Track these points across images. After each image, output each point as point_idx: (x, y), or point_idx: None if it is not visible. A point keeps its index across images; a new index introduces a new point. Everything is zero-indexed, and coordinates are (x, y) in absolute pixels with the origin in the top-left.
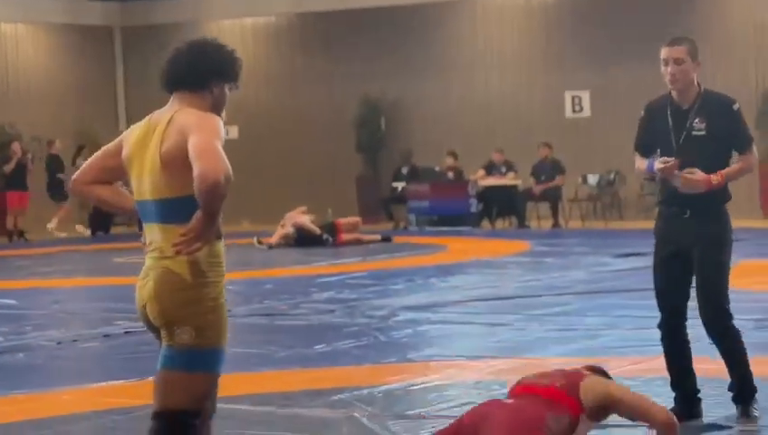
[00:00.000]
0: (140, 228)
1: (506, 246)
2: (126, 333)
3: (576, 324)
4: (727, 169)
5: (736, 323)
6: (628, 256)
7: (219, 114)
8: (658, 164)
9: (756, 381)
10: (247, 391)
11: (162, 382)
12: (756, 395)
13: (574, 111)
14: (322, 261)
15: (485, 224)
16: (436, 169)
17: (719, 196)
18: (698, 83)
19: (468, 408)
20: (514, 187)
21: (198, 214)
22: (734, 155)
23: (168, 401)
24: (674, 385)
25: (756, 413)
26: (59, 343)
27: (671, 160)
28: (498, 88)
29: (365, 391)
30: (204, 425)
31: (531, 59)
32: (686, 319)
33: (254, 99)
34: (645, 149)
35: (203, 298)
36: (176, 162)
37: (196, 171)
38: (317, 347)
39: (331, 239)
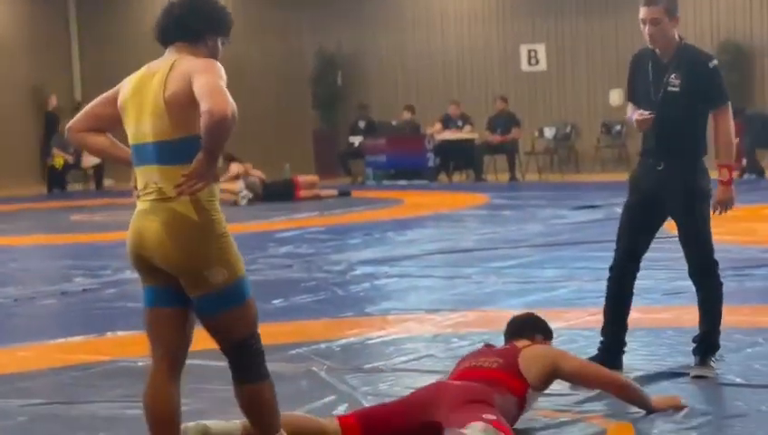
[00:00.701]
0: (98, 186)
1: (463, 199)
2: (84, 290)
3: (534, 277)
4: (721, 161)
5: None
6: (584, 208)
7: None
8: (636, 116)
9: None
10: (205, 346)
11: (216, 327)
12: (718, 352)
13: (530, 64)
14: (280, 216)
15: (443, 177)
16: (393, 123)
17: (694, 150)
18: (679, 37)
19: (427, 361)
20: (471, 140)
21: (200, 155)
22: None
23: (231, 336)
24: (603, 331)
25: (713, 365)
26: (16, 300)
27: (646, 114)
28: (454, 41)
29: (323, 346)
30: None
31: (487, 12)
32: (638, 269)
33: None
34: (634, 98)
35: (216, 234)
36: (180, 105)
37: (204, 108)
38: (275, 302)
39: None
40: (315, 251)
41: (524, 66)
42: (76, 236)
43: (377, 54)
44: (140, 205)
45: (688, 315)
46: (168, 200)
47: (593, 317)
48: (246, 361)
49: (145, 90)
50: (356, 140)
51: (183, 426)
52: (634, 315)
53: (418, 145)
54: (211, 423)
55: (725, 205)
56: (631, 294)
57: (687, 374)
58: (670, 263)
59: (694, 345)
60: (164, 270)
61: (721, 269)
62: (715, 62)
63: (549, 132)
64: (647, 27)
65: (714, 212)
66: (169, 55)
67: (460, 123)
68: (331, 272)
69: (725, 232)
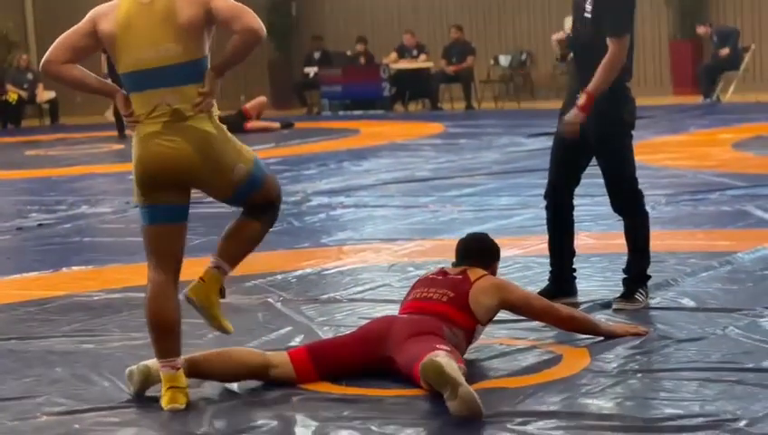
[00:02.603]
0: (53, 121)
1: (420, 128)
2: (39, 225)
3: (490, 205)
4: (588, 87)
5: (649, 199)
6: (540, 135)
7: None
8: (554, 36)
9: (664, 256)
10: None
11: (252, 202)
12: (647, 283)
13: None
14: None
15: (398, 107)
16: (348, 53)
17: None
18: None
19: (383, 290)
20: (426, 69)
21: (211, 73)
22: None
23: (264, 201)
24: (551, 261)
25: (639, 298)
26: None
27: (561, 35)
28: None
29: (279, 277)
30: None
31: None
32: (571, 197)
33: None
34: None
35: (228, 138)
36: (196, 30)
37: (245, 26)
38: None
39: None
40: None
41: None
42: (31, 172)
43: None
44: (148, 127)
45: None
46: (186, 119)
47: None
48: (267, 212)
49: (143, 19)
50: (311, 71)
51: (127, 370)
52: (589, 242)
53: (374, 75)
54: (151, 363)
55: (570, 127)
56: (570, 222)
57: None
58: None
59: (624, 276)
60: (176, 189)
61: (674, 194)
62: None
63: (504, 60)
64: None
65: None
66: None
67: (415, 53)
68: (287, 203)
69: (680, 157)
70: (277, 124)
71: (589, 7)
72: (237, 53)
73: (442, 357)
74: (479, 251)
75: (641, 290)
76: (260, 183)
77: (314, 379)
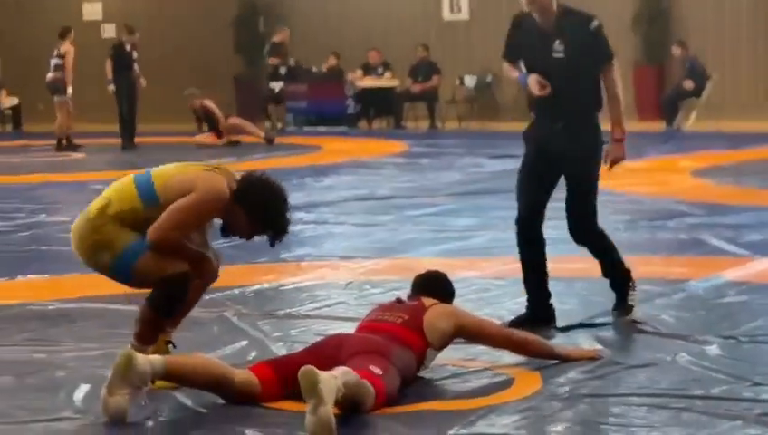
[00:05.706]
0: (16, 127)
1: (383, 146)
2: None
3: (449, 225)
4: (614, 118)
5: (608, 224)
6: (503, 157)
7: None
8: (538, 88)
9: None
10: (117, 290)
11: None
12: (631, 279)
13: (452, 12)
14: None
15: (363, 124)
16: (314, 69)
17: (587, 107)
18: (558, 4)
19: (339, 307)
20: (392, 88)
21: None
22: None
23: (154, 280)
24: (525, 285)
25: (632, 302)
26: None
27: (547, 87)
28: None
29: (236, 291)
30: None
31: None
32: (542, 220)
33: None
34: (513, 57)
35: (99, 230)
36: None
37: None
38: None
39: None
40: None
41: (446, 14)
42: None
43: (299, 0)
44: None
45: (599, 266)
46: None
47: (507, 266)
48: (154, 291)
49: None
50: (276, 86)
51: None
52: (568, 265)
53: (339, 92)
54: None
55: (618, 162)
56: (541, 243)
57: (597, 325)
58: None
59: (608, 281)
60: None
61: (633, 220)
62: (596, 23)
63: (470, 81)
64: None
65: (607, 168)
66: None
67: (380, 70)
68: None
69: (639, 183)
70: (261, 133)
71: (560, 48)
72: None
73: (328, 374)
74: (433, 283)
75: (631, 293)
76: (128, 274)
77: (278, 394)
